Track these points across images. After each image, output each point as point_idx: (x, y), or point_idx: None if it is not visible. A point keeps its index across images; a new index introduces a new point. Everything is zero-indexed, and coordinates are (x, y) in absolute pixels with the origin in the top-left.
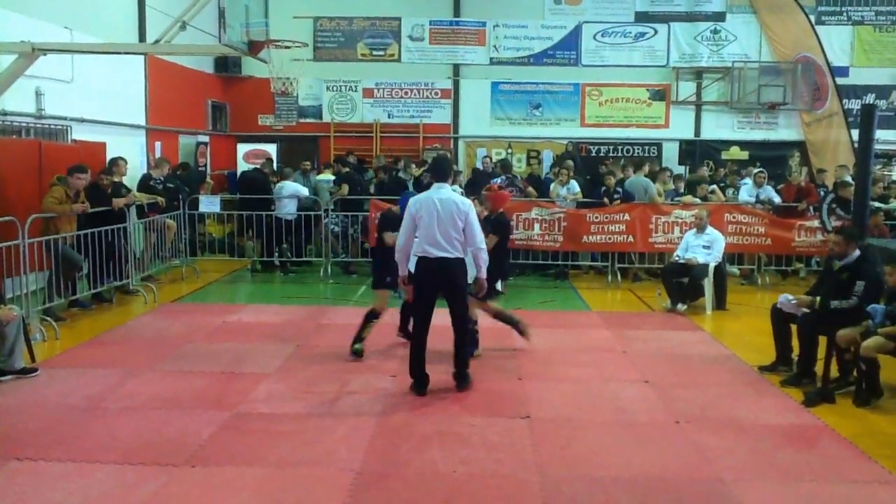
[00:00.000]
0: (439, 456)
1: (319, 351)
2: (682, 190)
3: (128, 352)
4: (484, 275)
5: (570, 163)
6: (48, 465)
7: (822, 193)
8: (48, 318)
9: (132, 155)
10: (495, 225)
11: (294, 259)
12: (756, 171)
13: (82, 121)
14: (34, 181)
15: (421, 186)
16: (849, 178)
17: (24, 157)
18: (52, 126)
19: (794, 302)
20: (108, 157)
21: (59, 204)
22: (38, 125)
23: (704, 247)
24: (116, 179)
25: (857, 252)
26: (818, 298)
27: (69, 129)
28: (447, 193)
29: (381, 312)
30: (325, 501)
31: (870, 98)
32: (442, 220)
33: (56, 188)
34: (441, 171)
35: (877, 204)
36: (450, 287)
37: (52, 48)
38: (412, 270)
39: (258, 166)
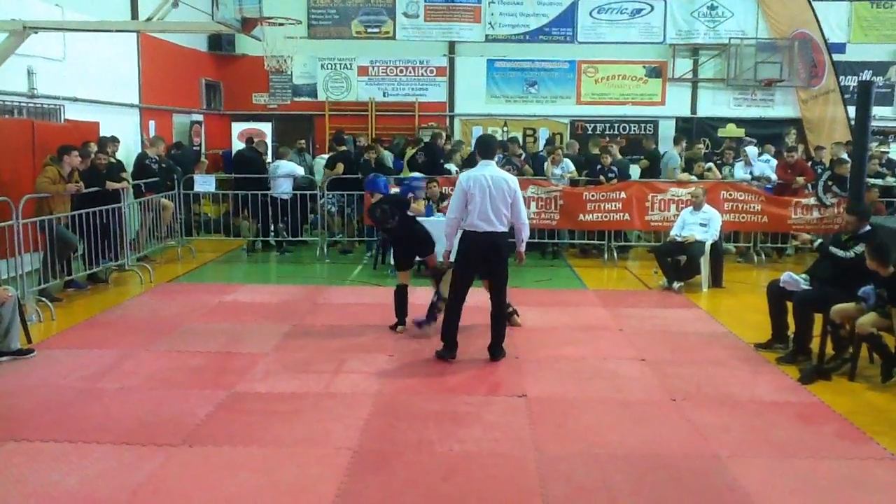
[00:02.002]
0: (436, 435)
1: (316, 330)
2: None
3: (124, 332)
4: (523, 248)
5: (574, 141)
6: (45, 445)
7: (819, 171)
8: (44, 299)
9: (126, 134)
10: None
11: (290, 239)
12: (749, 148)
13: (75, 100)
14: (27, 161)
15: (415, 166)
16: (845, 155)
17: (16, 137)
18: (45, 105)
19: (796, 279)
20: (101, 136)
21: (53, 184)
22: (30, 104)
23: (701, 224)
24: (113, 160)
25: (869, 227)
26: (819, 241)
27: (62, 108)
28: (496, 171)
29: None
30: (323, 480)
31: (866, 74)
32: (494, 197)
33: (49, 168)
34: (487, 148)
35: (872, 181)
36: (496, 260)
37: (43, 26)
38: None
39: (254, 144)
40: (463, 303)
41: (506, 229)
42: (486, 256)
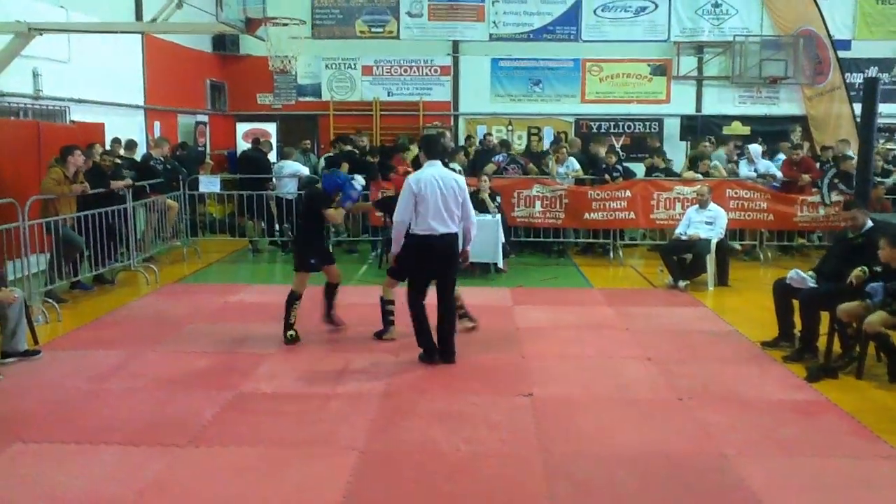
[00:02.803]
0: (442, 435)
1: (321, 330)
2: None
3: (130, 333)
4: (469, 246)
5: (577, 139)
6: (52, 446)
7: (825, 168)
8: (50, 300)
9: (131, 135)
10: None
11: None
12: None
13: (80, 101)
14: (33, 162)
15: (419, 165)
16: (850, 153)
17: (22, 139)
18: (50, 107)
19: (802, 276)
20: (109, 138)
21: (58, 185)
22: (35, 106)
23: (707, 223)
24: (118, 160)
25: (871, 222)
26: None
27: (67, 109)
28: (444, 171)
29: (300, 294)
30: (329, 481)
31: (872, 71)
32: (446, 198)
33: (55, 169)
34: (434, 148)
35: (879, 178)
36: (449, 261)
37: (48, 28)
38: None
39: (259, 145)
40: (423, 303)
41: (458, 230)
42: (442, 258)
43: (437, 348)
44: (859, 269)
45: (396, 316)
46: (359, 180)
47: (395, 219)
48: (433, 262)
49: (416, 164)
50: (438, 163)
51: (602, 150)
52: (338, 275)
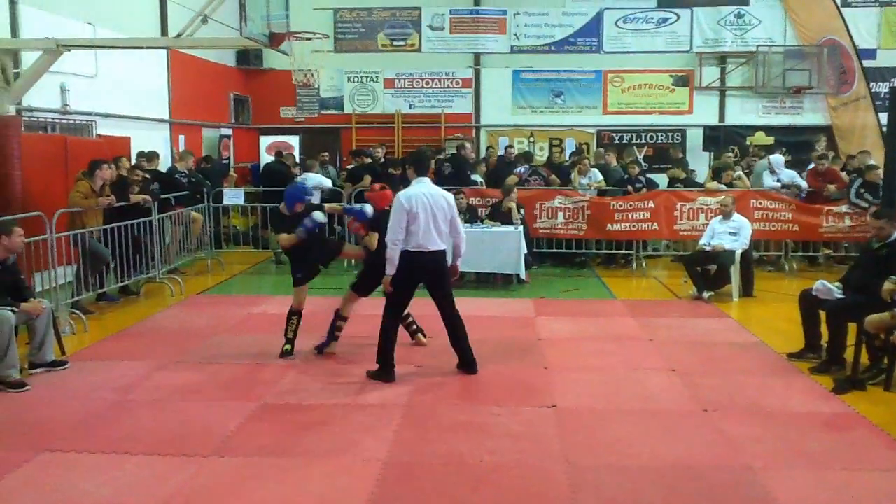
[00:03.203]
0: (465, 446)
1: (345, 341)
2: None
3: (155, 344)
4: (459, 262)
5: (601, 151)
6: (79, 456)
7: (851, 178)
8: (77, 312)
9: (156, 149)
10: (374, 223)
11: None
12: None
13: (107, 115)
14: (61, 176)
15: (440, 176)
16: (872, 162)
17: (50, 153)
18: (78, 121)
19: (828, 287)
20: (134, 151)
21: (85, 198)
22: (63, 121)
23: (731, 233)
24: (147, 175)
25: None
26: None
27: (94, 124)
28: (433, 188)
29: (298, 310)
30: (353, 492)
31: None
32: (436, 215)
33: (82, 183)
34: (422, 165)
35: None
36: (441, 277)
37: (75, 44)
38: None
39: (282, 157)
40: (399, 323)
41: (447, 247)
42: (432, 274)
43: (458, 362)
44: (891, 282)
45: (433, 332)
46: (318, 216)
47: (389, 238)
48: (422, 278)
49: (440, 175)
50: (427, 180)
51: (613, 161)
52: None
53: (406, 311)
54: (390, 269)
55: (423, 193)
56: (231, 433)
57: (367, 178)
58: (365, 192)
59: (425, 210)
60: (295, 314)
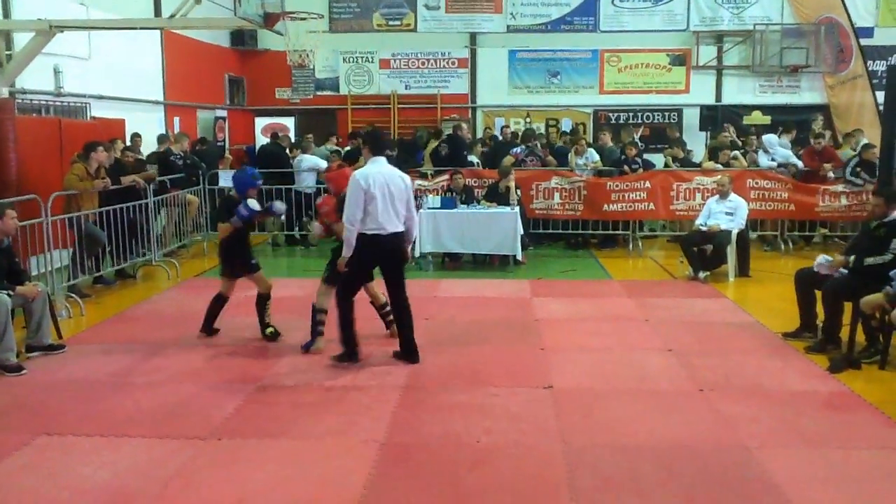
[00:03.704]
0: (463, 427)
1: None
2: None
3: (152, 327)
4: (409, 247)
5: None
6: (77, 439)
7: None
8: (73, 295)
9: (151, 131)
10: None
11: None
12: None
13: (101, 97)
14: (55, 159)
15: (439, 158)
16: (865, 141)
17: (44, 135)
18: (71, 103)
19: (830, 262)
20: (128, 134)
21: (81, 181)
22: (57, 103)
23: (727, 213)
24: (140, 156)
25: None
26: (852, 258)
27: (88, 106)
28: (390, 168)
29: (226, 297)
30: (351, 472)
31: (895, 59)
32: (393, 196)
33: (77, 165)
34: (379, 145)
35: None
36: (398, 260)
37: (68, 25)
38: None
39: (277, 139)
40: (353, 304)
41: (403, 228)
42: (390, 257)
43: (400, 350)
44: (884, 293)
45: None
46: (252, 204)
47: (346, 219)
48: (380, 261)
49: (436, 157)
50: (383, 159)
51: (609, 141)
52: (267, 285)
53: (384, 301)
54: (347, 251)
55: (381, 173)
56: (229, 415)
57: (363, 160)
58: (326, 175)
59: (382, 190)
60: (222, 300)
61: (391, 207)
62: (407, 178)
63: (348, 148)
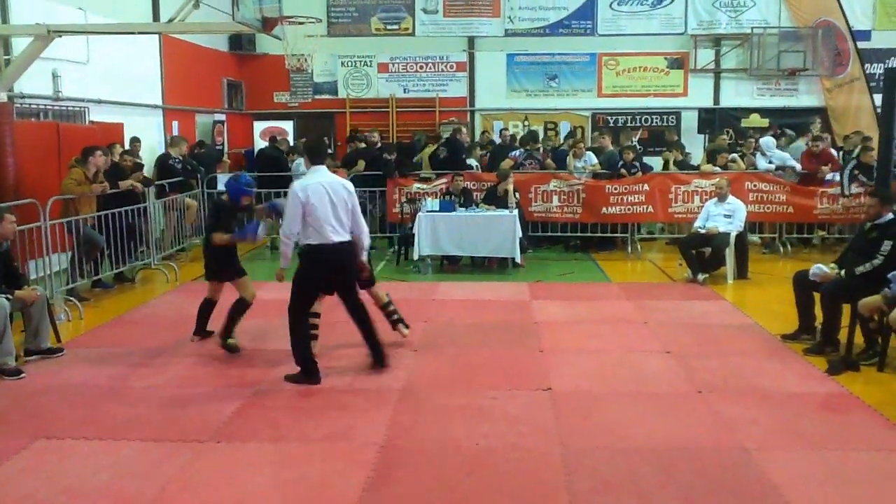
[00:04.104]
0: (461, 429)
1: (340, 326)
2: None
3: (151, 331)
4: (365, 257)
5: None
6: (75, 442)
7: (846, 159)
8: (72, 299)
9: (150, 135)
10: None
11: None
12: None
13: (99, 102)
14: (53, 163)
15: (437, 161)
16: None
17: (42, 140)
18: (70, 108)
19: (824, 272)
20: (127, 138)
21: (79, 185)
22: (55, 107)
23: (726, 216)
24: (138, 160)
25: (891, 215)
26: (842, 272)
27: (86, 110)
28: (331, 177)
29: (214, 301)
30: (349, 476)
31: (892, 62)
32: (335, 205)
33: (75, 170)
34: (318, 154)
35: None
36: (347, 272)
37: (67, 30)
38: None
39: (276, 142)
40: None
41: (349, 238)
42: (338, 269)
43: (371, 359)
44: (882, 296)
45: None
46: (262, 229)
47: (282, 231)
48: (328, 273)
49: (435, 161)
50: (324, 168)
51: (608, 144)
52: (251, 293)
53: (388, 300)
54: (283, 262)
55: (321, 183)
56: (227, 419)
57: (362, 163)
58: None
59: (322, 200)
60: (211, 305)
61: (333, 217)
62: (350, 185)
63: (347, 152)
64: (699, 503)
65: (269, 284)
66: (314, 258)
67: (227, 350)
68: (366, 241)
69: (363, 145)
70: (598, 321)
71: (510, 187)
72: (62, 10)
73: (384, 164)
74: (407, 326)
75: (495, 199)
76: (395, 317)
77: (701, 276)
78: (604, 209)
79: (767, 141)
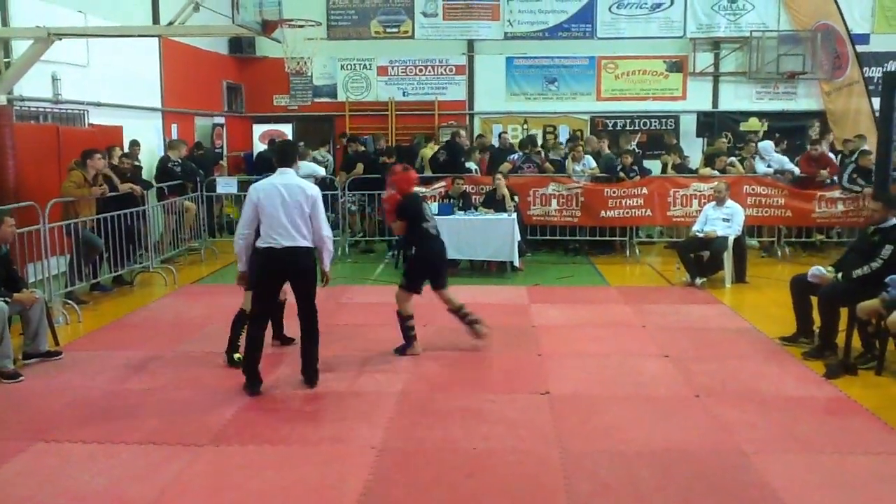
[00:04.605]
0: (460, 433)
1: (339, 329)
2: None
3: (150, 334)
4: (328, 267)
5: (594, 138)
6: (74, 446)
7: (845, 162)
8: (70, 302)
9: (149, 138)
10: (401, 208)
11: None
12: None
13: (99, 105)
14: (53, 166)
15: (437, 164)
16: (866, 147)
17: (42, 143)
18: (69, 111)
19: (822, 274)
20: (126, 140)
21: (78, 188)
22: (55, 110)
23: (724, 219)
24: (137, 163)
25: (894, 220)
26: (839, 275)
27: (86, 113)
28: (292, 179)
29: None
30: (348, 479)
31: (891, 66)
32: (289, 207)
33: (75, 172)
34: (285, 155)
35: None
36: (297, 278)
37: (67, 33)
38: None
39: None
40: (265, 330)
41: (309, 244)
42: (290, 274)
43: (301, 370)
44: (880, 299)
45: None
46: None
47: (236, 232)
48: (278, 277)
49: (435, 164)
50: (290, 171)
51: (605, 147)
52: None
53: (459, 304)
54: (240, 266)
55: (278, 184)
56: (226, 422)
57: (360, 167)
58: (388, 177)
59: (273, 202)
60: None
61: (286, 220)
62: (312, 189)
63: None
64: None
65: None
66: (259, 262)
67: (231, 365)
68: (328, 246)
69: (362, 148)
70: (597, 325)
71: (505, 191)
72: (62, 13)
73: (383, 167)
74: (482, 326)
75: (494, 202)
76: (470, 317)
77: (699, 280)
78: (602, 213)
79: (766, 145)
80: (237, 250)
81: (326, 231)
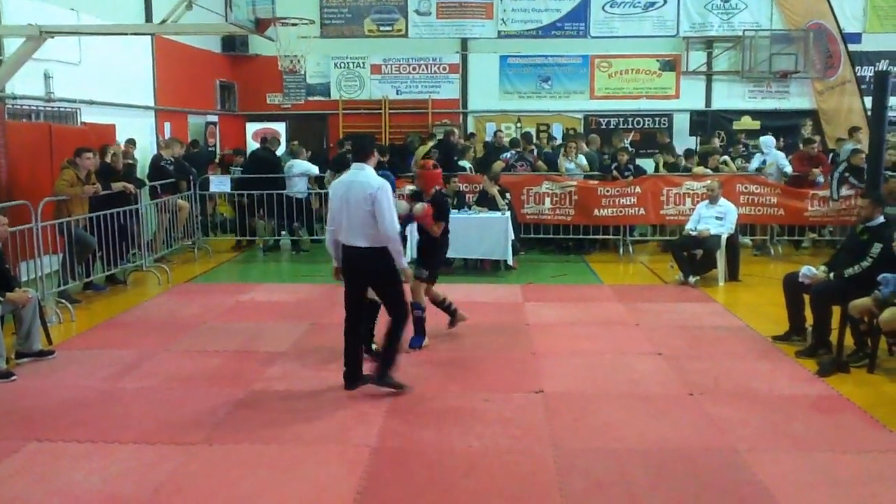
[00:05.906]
0: (454, 432)
1: (333, 328)
2: None
3: (143, 333)
4: (403, 264)
5: (595, 136)
6: (67, 445)
7: (837, 161)
8: (63, 301)
9: (142, 136)
10: (439, 211)
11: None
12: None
13: (91, 103)
14: (45, 164)
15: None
16: (850, 146)
17: (34, 141)
18: (62, 109)
19: (814, 274)
20: (118, 139)
21: (71, 186)
22: (47, 108)
23: (717, 218)
24: (130, 161)
25: (882, 218)
26: (832, 275)
27: (78, 111)
28: (360, 175)
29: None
30: (342, 478)
31: (883, 65)
32: (350, 206)
33: (67, 171)
34: (361, 150)
35: (889, 173)
36: (364, 280)
37: (59, 31)
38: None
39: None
40: (356, 326)
41: (369, 244)
42: (357, 274)
43: (358, 377)
44: (872, 298)
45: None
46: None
47: (328, 226)
48: (350, 276)
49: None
50: (366, 168)
51: (596, 146)
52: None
53: (444, 297)
54: (334, 261)
55: (346, 181)
56: (220, 421)
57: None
58: (416, 170)
59: (339, 200)
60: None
61: (346, 220)
62: (372, 188)
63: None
64: None
65: (262, 286)
66: (343, 256)
67: (371, 356)
68: (392, 248)
69: None
70: (590, 323)
71: (494, 190)
72: (54, 11)
73: (378, 165)
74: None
75: (487, 201)
76: (452, 307)
77: (692, 279)
78: (596, 211)
79: (767, 140)
80: (327, 244)
81: (390, 230)
